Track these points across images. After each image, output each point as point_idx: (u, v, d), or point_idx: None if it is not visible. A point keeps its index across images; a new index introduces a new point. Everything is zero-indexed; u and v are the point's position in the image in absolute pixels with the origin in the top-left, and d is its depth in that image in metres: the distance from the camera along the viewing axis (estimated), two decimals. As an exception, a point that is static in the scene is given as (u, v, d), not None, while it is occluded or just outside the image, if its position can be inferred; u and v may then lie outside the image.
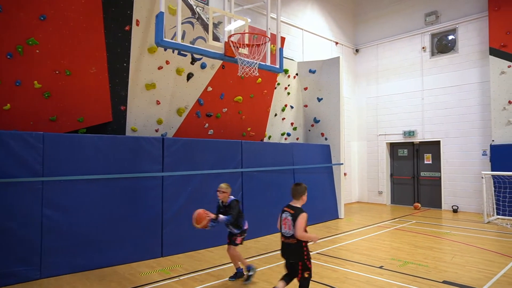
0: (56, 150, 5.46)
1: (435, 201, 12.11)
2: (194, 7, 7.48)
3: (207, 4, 8.27)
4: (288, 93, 10.42)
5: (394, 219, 10.16)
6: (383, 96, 13.44)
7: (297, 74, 10.75)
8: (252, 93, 9.00)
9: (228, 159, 7.59)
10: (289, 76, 10.40)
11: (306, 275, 3.88)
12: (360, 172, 14.12)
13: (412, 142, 12.80)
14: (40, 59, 5.81)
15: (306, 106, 10.93)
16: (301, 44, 11.83)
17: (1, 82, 5.52)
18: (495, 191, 9.86)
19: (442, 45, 12.09)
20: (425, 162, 12.53)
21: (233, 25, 6.54)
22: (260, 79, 8.98)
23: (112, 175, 5.94)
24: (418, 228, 8.81)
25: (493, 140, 10.40)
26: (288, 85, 10.41)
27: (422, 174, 12.62)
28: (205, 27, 7.59)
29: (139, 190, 6.23)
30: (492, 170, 10.11)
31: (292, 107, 10.59)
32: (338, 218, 10.16)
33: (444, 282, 4.96)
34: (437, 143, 12.01)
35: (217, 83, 8.18)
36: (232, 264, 5.30)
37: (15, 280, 4.95)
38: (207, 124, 8.25)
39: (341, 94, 10.26)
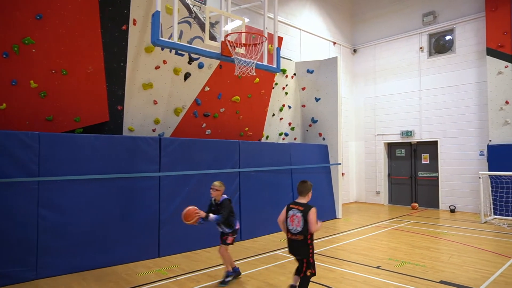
0: (52, 150, 5.43)
1: (432, 201, 12.13)
2: (191, 6, 7.46)
3: (205, 3, 8.25)
4: (286, 93, 10.41)
5: (392, 219, 10.17)
6: (381, 96, 13.45)
7: (295, 74, 10.74)
8: (249, 93, 8.99)
9: (226, 159, 7.58)
10: (287, 76, 10.39)
11: (308, 274, 4.00)
12: (358, 172, 14.13)
13: (410, 142, 12.82)
14: (36, 58, 5.77)
15: (304, 106, 10.93)
16: (299, 44, 11.82)
17: (-3, 81, 5.48)
18: (492, 191, 9.89)
19: (440, 45, 12.11)
20: (423, 162, 12.55)
21: (230, 25, 6.52)
22: (257, 79, 8.97)
23: (109, 175, 5.92)
24: (416, 228, 8.82)
25: (490, 140, 10.42)
26: (286, 85, 10.40)
27: (419, 174, 12.64)
28: (202, 26, 7.57)
29: (136, 190, 6.21)
30: (489, 170, 10.14)
31: (290, 107, 10.59)
32: (336, 218, 10.16)
33: (441, 282, 4.96)
34: (435, 143, 12.03)
35: (214, 83, 8.17)
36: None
37: (11, 281, 4.92)
38: (204, 124, 8.24)
39: (339, 94, 10.27)
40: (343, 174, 12.62)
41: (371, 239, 7.64)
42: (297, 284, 4.11)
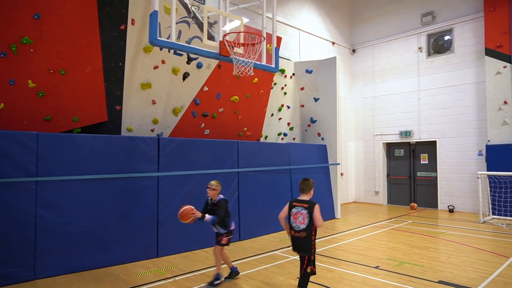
0: (50, 150, 5.42)
1: (431, 201, 12.14)
2: (190, 6, 7.45)
3: (204, 3, 8.24)
4: (285, 93, 10.41)
5: (391, 219, 10.18)
6: (380, 96, 13.46)
7: (293, 74, 10.74)
8: (248, 93, 8.98)
9: (224, 159, 7.57)
10: (285, 76, 10.39)
11: (309, 270, 4.07)
12: (357, 172, 14.13)
13: (409, 142, 12.83)
14: (34, 58, 5.75)
15: (302, 106, 10.92)
16: (298, 44, 11.82)
17: (-5, 81, 5.47)
18: (490, 191, 9.90)
19: (438, 45, 12.12)
20: (421, 162, 12.56)
21: (229, 25, 6.51)
22: (256, 79, 8.96)
23: (107, 175, 5.90)
24: (414, 228, 8.82)
25: (488, 140, 10.44)
26: (285, 85, 10.39)
27: (418, 174, 12.64)
28: (201, 26, 7.56)
29: (134, 190, 6.20)
30: (487, 170, 10.15)
31: (288, 107, 10.58)
32: (334, 218, 10.16)
33: (440, 282, 4.96)
34: (433, 143, 12.04)
35: (213, 82, 8.16)
36: (226, 265, 5.27)
37: (9, 281, 4.90)
38: (203, 124, 8.23)
39: (337, 94, 10.27)
40: (342, 174, 12.62)
41: (370, 239, 7.64)
42: None
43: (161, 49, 7.14)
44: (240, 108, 8.86)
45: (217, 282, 4.84)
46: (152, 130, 7.43)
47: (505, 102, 10.16)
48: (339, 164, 10.33)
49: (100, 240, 5.74)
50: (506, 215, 9.54)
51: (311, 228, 4.06)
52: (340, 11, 13.82)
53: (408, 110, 12.61)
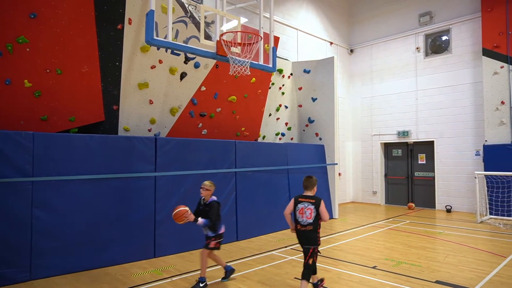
0: (46, 150, 5.39)
1: (429, 201, 12.16)
2: (187, 5, 7.43)
3: (201, 2, 8.22)
4: (283, 93, 10.40)
5: (388, 219, 10.18)
6: (378, 96, 13.47)
7: (291, 74, 10.74)
8: (246, 92, 8.96)
9: (222, 159, 7.55)
10: (283, 76, 10.38)
11: (310, 262, 4.29)
12: (355, 172, 14.14)
13: (406, 142, 12.84)
14: (30, 57, 5.73)
15: (300, 106, 10.92)
16: (296, 44, 11.82)
17: (-9, 80, 5.43)
18: (488, 191, 9.92)
19: (436, 45, 12.14)
20: (419, 162, 12.58)
21: (227, 25, 6.50)
22: (254, 78, 8.95)
23: (104, 175, 5.88)
24: (412, 228, 8.83)
25: (486, 140, 10.46)
26: (283, 85, 10.39)
27: (416, 174, 12.66)
28: (198, 26, 7.53)
29: (131, 191, 6.17)
30: (485, 170, 10.17)
31: (286, 107, 10.57)
32: (332, 218, 10.16)
33: (437, 282, 4.96)
34: (431, 143, 12.06)
35: (210, 82, 8.14)
36: (220, 266, 5.24)
37: (4, 282, 4.87)
38: (200, 124, 8.21)
39: (335, 94, 10.26)
40: (339, 174, 12.61)
41: (368, 239, 7.64)
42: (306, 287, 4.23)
43: (158, 48, 7.11)
44: (237, 108, 8.85)
45: (202, 285, 4.73)
46: (149, 130, 7.41)
47: (502, 102, 10.19)
48: (337, 164, 10.33)
49: (97, 240, 5.72)
50: (503, 215, 9.57)
51: (317, 222, 4.33)
52: (338, 11, 13.82)
53: (406, 110, 12.63)
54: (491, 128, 10.39)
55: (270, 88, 9.82)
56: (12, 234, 5.01)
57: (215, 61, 7.97)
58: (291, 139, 10.78)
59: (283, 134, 10.49)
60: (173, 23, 7.04)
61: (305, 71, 10.65)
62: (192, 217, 4.65)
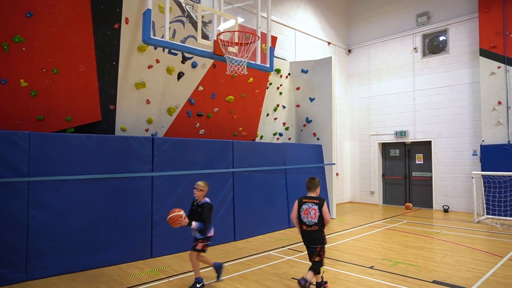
0: (43, 150, 5.36)
1: (426, 201, 12.18)
2: (184, 5, 7.41)
3: (199, 2, 8.21)
4: (280, 93, 10.39)
5: (386, 219, 10.19)
6: (375, 96, 13.49)
7: (289, 74, 10.73)
8: (243, 92, 8.95)
9: (219, 159, 7.54)
10: (281, 76, 10.37)
11: (317, 259, 4.45)
12: (352, 172, 14.15)
13: (404, 142, 12.86)
14: (26, 57, 5.70)
15: (298, 106, 10.91)
16: (294, 44, 11.82)
17: (-14, 80, 5.40)
18: (485, 191, 9.94)
19: (434, 45, 12.16)
20: (417, 162, 12.60)
21: (224, 25, 6.49)
22: (251, 78, 8.95)
23: (100, 175, 5.85)
24: (409, 228, 8.84)
25: (483, 140, 10.48)
26: (280, 85, 10.38)
27: (413, 174, 12.68)
28: (195, 25, 7.52)
29: (128, 191, 6.15)
30: (482, 170, 10.19)
31: (284, 107, 10.57)
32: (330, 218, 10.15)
33: (434, 282, 4.96)
34: (429, 143, 12.08)
35: (208, 82, 8.12)
36: (209, 267, 5.21)
37: (0, 283, 4.84)
38: (198, 124, 8.19)
39: (333, 94, 10.26)
40: (337, 174, 12.63)
41: (365, 239, 7.64)
42: (311, 278, 4.39)
43: (155, 48, 7.09)
44: (235, 108, 8.83)
45: (199, 286, 4.71)
46: (147, 130, 7.39)
47: (499, 103, 10.22)
48: (334, 164, 10.33)
49: (94, 240, 5.69)
50: (500, 215, 9.59)
51: (322, 222, 4.46)
52: (336, 11, 13.83)
53: (404, 110, 12.65)
54: (488, 128, 10.41)
55: (267, 88, 9.81)
56: (8, 234, 4.97)
57: (213, 60, 7.96)
58: (289, 139, 10.77)
59: (280, 134, 10.49)
60: (170, 22, 7.02)
61: (303, 71, 10.65)
62: (186, 221, 4.60)
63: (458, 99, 11.41)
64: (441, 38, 11.97)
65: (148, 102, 7.28)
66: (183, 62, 7.65)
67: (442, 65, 11.81)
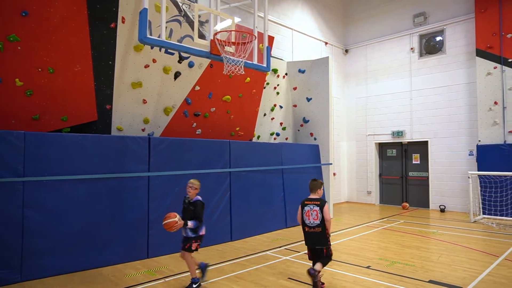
0: (38, 149, 5.32)
1: (423, 201, 12.22)
2: (180, 4, 7.39)
3: (196, 1, 8.18)
4: (277, 93, 10.39)
5: (383, 218, 10.21)
6: (372, 96, 13.51)
7: (286, 74, 10.73)
8: (240, 92, 8.94)
9: (216, 159, 7.52)
10: (278, 76, 10.37)
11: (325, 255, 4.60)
12: (349, 172, 14.17)
13: (401, 142, 12.89)
14: (21, 56, 5.65)
15: (295, 106, 10.91)
16: (291, 44, 11.82)
17: (-19, 79, 5.36)
18: (481, 190, 9.98)
19: (430, 46, 12.20)
20: (413, 162, 12.63)
21: (221, 24, 6.47)
22: (248, 78, 8.93)
23: (97, 175, 5.82)
24: (406, 227, 8.86)
25: (479, 141, 10.52)
26: (277, 85, 10.37)
27: (410, 174, 12.71)
28: (192, 25, 7.49)
29: (124, 191, 6.12)
30: (478, 170, 10.23)
31: (281, 107, 10.56)
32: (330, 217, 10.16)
33: (430, 281, 4.97)
34: (425, 143, 12.11)
35: (205, 82, 8.10)
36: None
37: (-5, 283, 4.82)
38: (195, 124, 8.17)
39: (330, 94, 10.27)
40: (334, 174, 12.64)
41: (362, 239, 7.65)
42: (320, 268, 4.51)
43: (152, 47, 7.07)
44: (232, 107, 8.82)
45: (195, 286, 4.68)
46: (143, 130, 7.36)
47: (496, 103, 10.26)
48: (331, 164, 10.33)
49: (90, 241, 5.66)
50: (496, 215, 9.63)
51: (324, 223, 4.52)
52: (333, 11, 13.84)
53: (401, 110, 12.68)
54: (485, 128, 10.45)
55: (264, 88, 9.80)
56: (3, 235, 4.93)
57: (210, 60, 7.94)
58: (286, 139, 10.77)
59: (277, 134, 10.48)
60: (166, 22, 7.00)
61: (300, 71, 10.65)
62: (181, 223, 4.54)
63: (454, 99, 11.45)
64: (438, 38, 12.01)
65: (144, 101, 7.25)
66: (179, 61, 7.63)
67: (439, 65, 11.85)
